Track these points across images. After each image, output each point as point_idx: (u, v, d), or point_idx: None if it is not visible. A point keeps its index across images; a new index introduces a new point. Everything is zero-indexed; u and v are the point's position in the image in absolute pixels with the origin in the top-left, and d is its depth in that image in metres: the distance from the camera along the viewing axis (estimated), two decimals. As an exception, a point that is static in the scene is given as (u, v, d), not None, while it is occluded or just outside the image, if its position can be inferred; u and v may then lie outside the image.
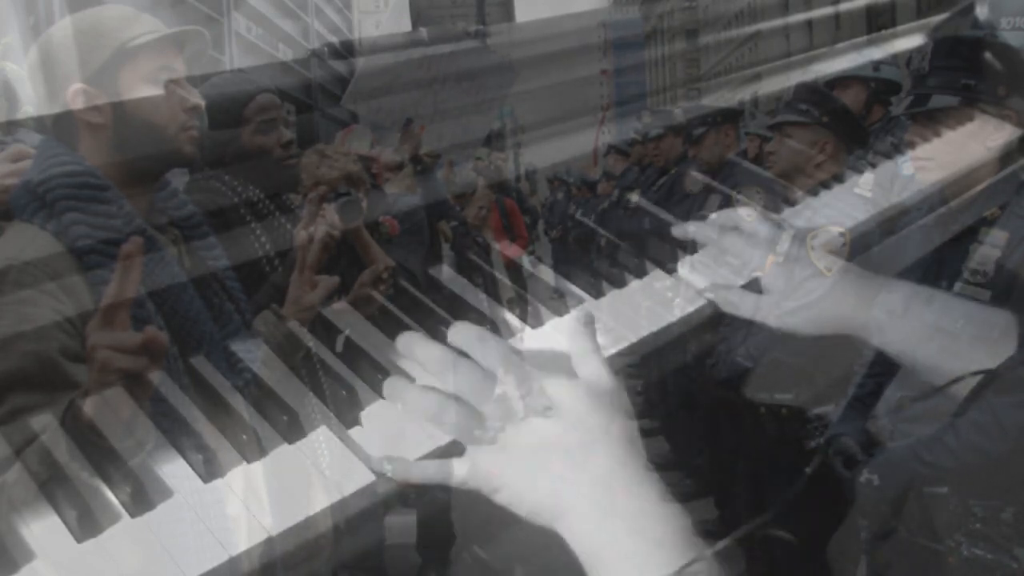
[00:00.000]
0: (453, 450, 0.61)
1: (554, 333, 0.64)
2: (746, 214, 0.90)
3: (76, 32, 1.27)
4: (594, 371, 0.60)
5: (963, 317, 0.84)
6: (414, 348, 0.62)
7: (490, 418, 0.57)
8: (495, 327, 0.86)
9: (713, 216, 0.93)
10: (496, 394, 0.58)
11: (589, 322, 0.63)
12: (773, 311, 0.87)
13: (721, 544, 0.54)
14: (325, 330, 1.40)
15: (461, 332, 0.61)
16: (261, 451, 0.72)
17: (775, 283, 0.87)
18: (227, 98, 1.93)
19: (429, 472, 0.60)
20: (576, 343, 0.61)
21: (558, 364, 0.60)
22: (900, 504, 1.61)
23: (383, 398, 0.62)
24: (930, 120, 1.70)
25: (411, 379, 0.62)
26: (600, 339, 0.63)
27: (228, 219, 1.84)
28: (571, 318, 0.65)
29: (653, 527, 0.53)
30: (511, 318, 0.90)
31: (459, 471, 0.58)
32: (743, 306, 0.89)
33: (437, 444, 0.66)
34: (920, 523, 1.60)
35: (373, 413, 0.74)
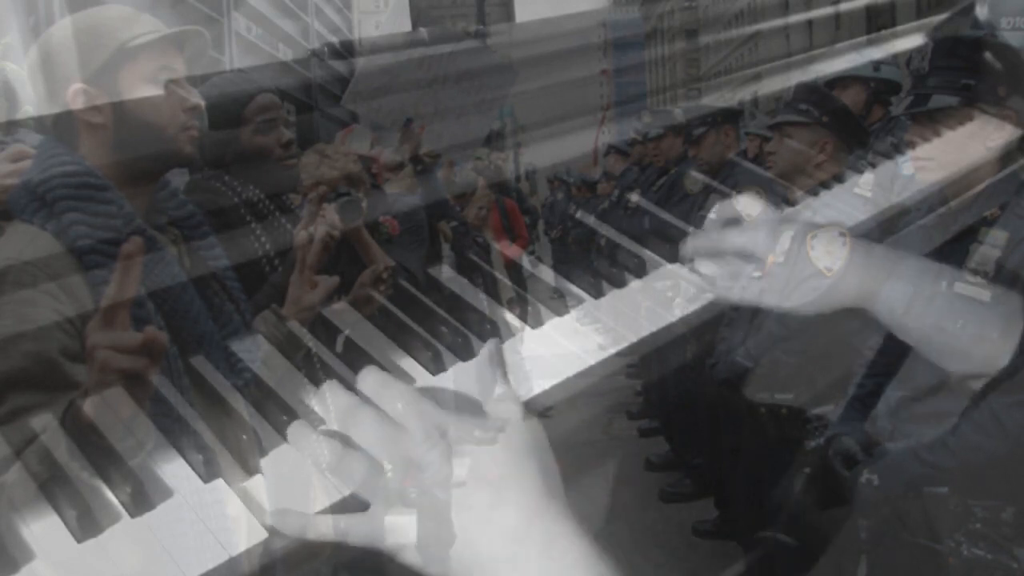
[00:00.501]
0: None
1: (468, 372, 0.59)
2: (748, 205, 0.89)
3: (76, 32, 1.27)
4: (505, 412, 0.56)
5: (964, 314, 0.84)
6: (328, 396, 0.58)
7: (393, 473, 0.54)
8: (495, 327, 0.86)
9: (713, 215, 0.93)
10: (399, 449, 0.54)
11: (496, 355, 0.59)
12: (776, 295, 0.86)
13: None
14: (325, 330, 1.40)
15: (367, 379, 0.58)
16: (261, 451, 0.72)
17: (775, 284, 0.86)
18: (227, 98, 1.93)
19: (322, 530, 0.57)
20: (484, 382, 0.57)
21: (470, 406, 0.57)
22: (900, 504, 1.61)
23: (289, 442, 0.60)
24: (930, 120, 1.70)
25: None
26: (600, 339, 0.63)
27: (228, 219, 1.84)
28: (481, 355, 0.59)
29: None
30: (511, 318, 0.90)
31: (358, 530, 0.55)
32: (749, 290, 0.88)
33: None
34: (920, 523, 1.60)
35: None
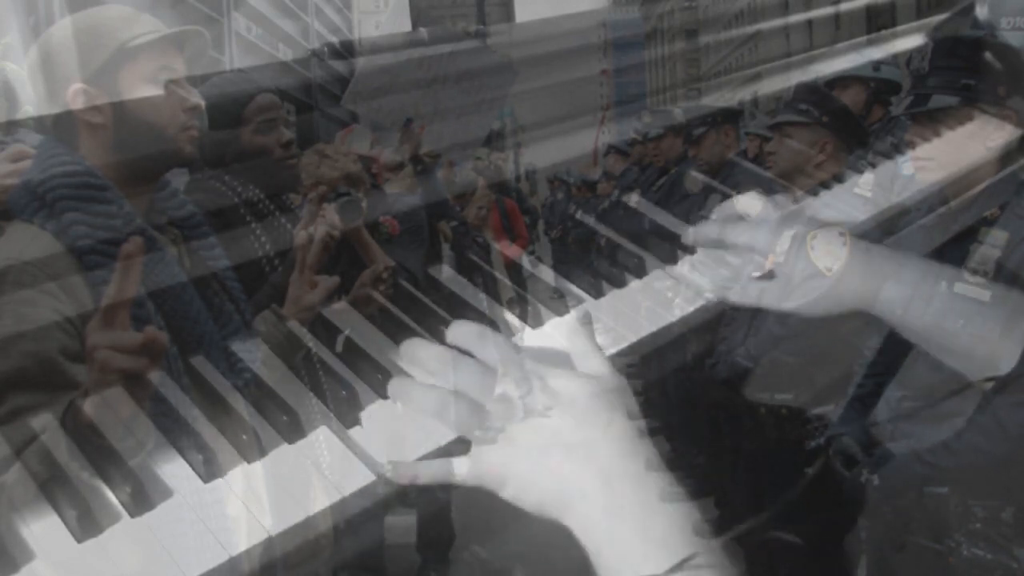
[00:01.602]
0: (453, 450, 0.62)
1: (554, 331, 0.64)
2: (750, 204, 0.90)
3: (76, 32, 1.27)
4: (595, 368, 0.61)
5: (965, 313, 0.84)
6: (416, 352, 0.62)
7: (492, 417, 0.57)
8: (495, 327, 0.86)
9: (715, 215, 0.93)
10: (497, 392, 0.58)
11: (587, 321, 0.63)
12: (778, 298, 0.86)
13: (723, 539, 0.54)
14: (325, 330, 1.40)
15: (461, 330, 0.62)
16: (261, 451, 0.72)
17: (775, 283, 0.86)
18: (227, 98, 1.93)
19: (432, 471, 0.60)
20: (576, 341, 0.62)
21: (559, 361, 0.60)
22: (900, 504, 1.61)
23: (384, 398, 0.61)
24: (930, 120, 1.70)
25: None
26: (600, 339, 0.63)
27: (228, 219, 1.84)
28: (570, 317, 0.65)
29: (655, 524, 0.53)
30: (511, 318, 0.90)
31: (461, 469, 0.59)
32: (748, 293, 0.88)
33: (437, 444, 0.67)
34: (920, 523, 1.60)
35: (373, 413, 0.74)
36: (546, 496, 0.55)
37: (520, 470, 0.56)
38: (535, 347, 0.62)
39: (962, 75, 1.66)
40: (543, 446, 0.56)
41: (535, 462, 0.56)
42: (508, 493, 0.57)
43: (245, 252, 1.81)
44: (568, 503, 0.55)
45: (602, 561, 0.53)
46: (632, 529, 0.53)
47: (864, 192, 1.23)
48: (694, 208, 3.76)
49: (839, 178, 1.28)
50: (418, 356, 0.62)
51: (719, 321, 2.66)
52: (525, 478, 0.56)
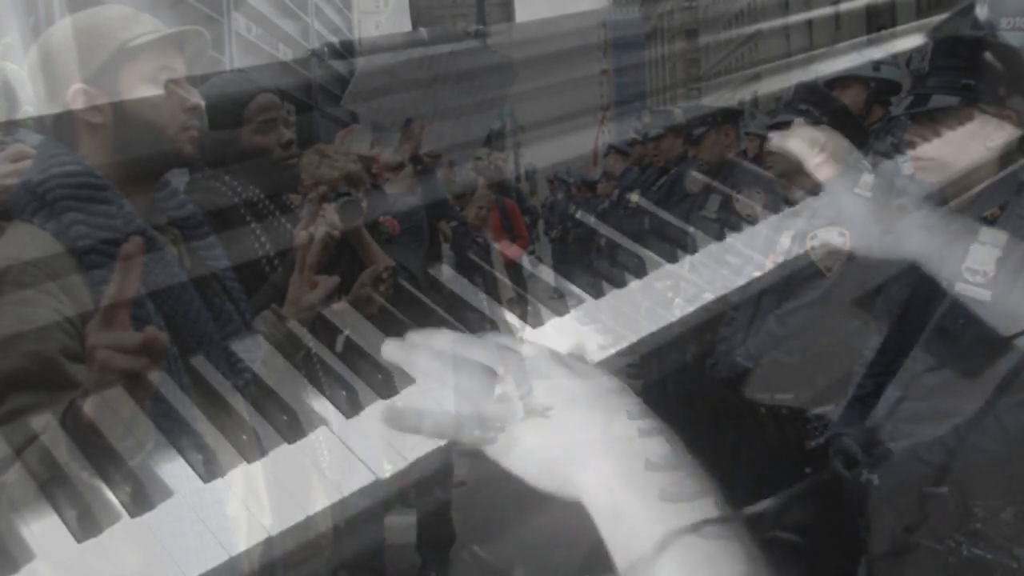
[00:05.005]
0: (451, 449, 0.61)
1: (553, 334, 0.63)
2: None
3: (76, 32, 1.27)
4: (593, 369, 0.60)
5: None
6: (405, 353, 0.61)
7: (491, 418, 0.57)
8: (495, 327, 0.86)
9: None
10: (497, 393, 0.57)
11: (586, 324, 0.63)
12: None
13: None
14: (325, 330, 1.40)
15: (449, 337, 0.61)
16: (261, 451, 0.72)
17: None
18: (227, 98, 1.93)
19: (439, 426, 0.59)
20: (574, 344, 0.61)
21: (558, 363, 0.60)
22: (900, 504, 1.61)
23: (384, 398, 0.61)
24: (930, 120, 1.70)
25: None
26: (600, 339, 0.63)
27: (228, 219, 1.84)
28: (570, 318, 0.65)
29: (671, 488, 0.53)
30: (511, 318, 0.90)
31: (470, 431, 0.58)
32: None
33: (436, 445, 0.67)
34: (920, 523, 1.60)
35: (373, 413, 0.74)
36: (555, 456, 0.55)
37: (528, 431, 0.56)
38: (534, 347, 0.61)
39: (962, 75, 1.66)
40: (544, 444, 0.55)
41: (544, 422, 0.56)
42: (515, 457, 0.56)
43: (245, 252, 1.81)
44: (578, 464, 0.54)
45: (619, 523, 0.52)
46: (647, 490, 0.52)
47: (864, 192, 1.23)
48: (694, 208, 3.76)
49: (839, 178, 1.29)
50: (408, 358, 0.61)
51: (719, 321, 2.66)
52: (533, 439, 0.56)
